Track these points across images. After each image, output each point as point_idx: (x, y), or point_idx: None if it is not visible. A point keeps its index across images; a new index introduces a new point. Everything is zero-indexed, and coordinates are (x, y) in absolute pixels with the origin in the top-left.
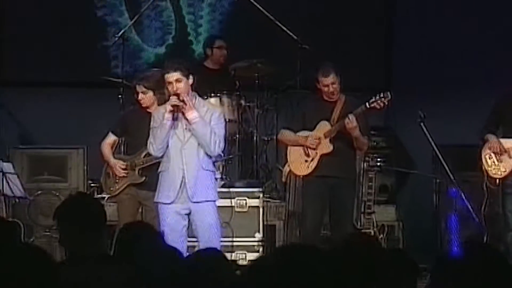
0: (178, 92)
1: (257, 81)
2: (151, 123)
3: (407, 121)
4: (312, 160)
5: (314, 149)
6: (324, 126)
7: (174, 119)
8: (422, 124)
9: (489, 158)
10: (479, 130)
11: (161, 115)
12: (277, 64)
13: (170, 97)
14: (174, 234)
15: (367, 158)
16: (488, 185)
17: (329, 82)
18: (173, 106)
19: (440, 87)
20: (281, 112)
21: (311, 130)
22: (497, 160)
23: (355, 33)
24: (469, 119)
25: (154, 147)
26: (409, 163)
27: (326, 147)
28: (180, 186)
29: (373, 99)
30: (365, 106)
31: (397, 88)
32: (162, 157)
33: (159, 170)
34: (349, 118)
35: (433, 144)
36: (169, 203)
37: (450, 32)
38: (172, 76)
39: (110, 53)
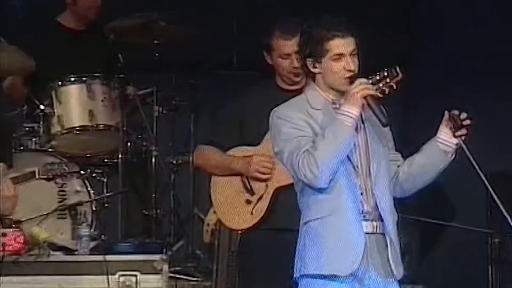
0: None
1: (157, 54)
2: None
3: (435, 129)
4: (259, 200)
5: (263, 179)
6: None
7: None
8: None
9: None
10: None
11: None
12: (197, 23)
13: (356, 82)
14: None
15: None
16: None
17: (293, 50)
18: (367, 96)
19: (490, 77)
20: (202, 112)
21: (257, 144)
22: None
23: None
24: None
25: (321, 168)
26: (443, 208)
27: (284, 175)
28: (366, 246)
29: (376, 78)
30: None
31: (417, 73)
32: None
33: (309, 218)
34: None
35: (481, 173)
36: (344, 277)
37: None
38: (343, 41)
39: None
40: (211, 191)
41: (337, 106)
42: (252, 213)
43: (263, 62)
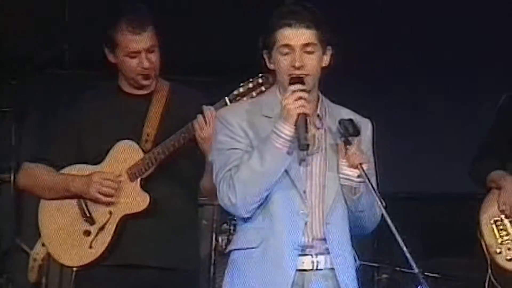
0: (303, 70)
1: None
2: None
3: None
4: (100, 231)
5: (104, 202)
6: (126, 154)
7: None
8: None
9: (497, 228)
10: (471, 163)
11: (262, 123)
12: (21, 11)
13: (288, 90)
14: None
15: (225, 226)
16: (494, 283)
17: (143, 47)
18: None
19: (395, 76)
20: (28, 121)
21: (98, 162)
22: None
23: None
24: (456, 139)
25: (239, 196)
26: None
27: (134, 200)
28: (296, 283)
29: (248, 86)
30: (225, 103)
31: None
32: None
33: (233, 246)
34: (187, 131)
35: (375, 194)
36: None
37: None
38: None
39: None
40: (39, 218)
41: None
42: (91, 246)
43: (105, 58)
